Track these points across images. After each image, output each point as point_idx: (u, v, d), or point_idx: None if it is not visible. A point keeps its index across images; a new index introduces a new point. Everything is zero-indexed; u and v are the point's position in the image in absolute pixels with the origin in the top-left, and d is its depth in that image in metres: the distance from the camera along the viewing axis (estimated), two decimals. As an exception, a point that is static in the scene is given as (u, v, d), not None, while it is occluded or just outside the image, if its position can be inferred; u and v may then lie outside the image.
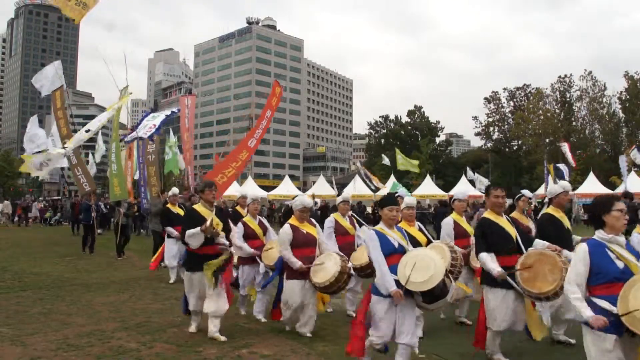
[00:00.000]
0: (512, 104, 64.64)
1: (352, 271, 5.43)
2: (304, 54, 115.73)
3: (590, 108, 54.30)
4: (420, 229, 5.83)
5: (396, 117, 76.44)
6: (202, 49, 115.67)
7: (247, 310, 6.73)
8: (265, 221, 6.78)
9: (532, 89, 61.90)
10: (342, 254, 5.51)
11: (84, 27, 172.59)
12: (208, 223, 5.24)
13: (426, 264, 3.97)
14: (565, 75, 56.55)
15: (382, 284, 4.00)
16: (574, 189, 33.60)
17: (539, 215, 5.14)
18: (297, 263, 5.35)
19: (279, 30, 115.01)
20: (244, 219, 6.61)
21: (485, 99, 64.61)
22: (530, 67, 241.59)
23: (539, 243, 4.72)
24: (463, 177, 37.33)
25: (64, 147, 12.97)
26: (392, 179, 36.58)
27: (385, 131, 75.92)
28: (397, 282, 3.97)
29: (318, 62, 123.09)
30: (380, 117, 77.69)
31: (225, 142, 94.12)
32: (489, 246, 4.56)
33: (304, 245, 5.49)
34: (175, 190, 9.80)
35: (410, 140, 70.79)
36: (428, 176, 39.26)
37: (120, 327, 5.89)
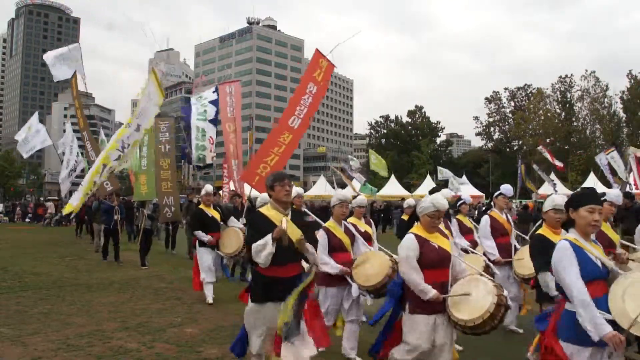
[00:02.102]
0: (512, 104, 64.69)
1: (509, 302, 3.78)
2: (304, 54, 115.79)
3: (591, 108, 54.36)
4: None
5: (396, 117, 76.49)
6: (202, 49, 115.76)
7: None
8: (351, 227, 5.23)
9: (533, 89, 61.98)
10: (493, 280, 3.85)
11: (84, 27, 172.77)
12: (283, 226, 3.66)
13: None
14: (566, 76, 56.69)
15: (590, 326, 2.75)
16: (574, 189, 33.70)
17: None
18: (431, 292, 3.64)
19: (279, 30, 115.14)
20: (326, 225, 5.05)
21: (486, 99, 64.68)
22: (531, 67, 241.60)
23: None
24: (464, 177, 37.37)
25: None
26: (393, 179, 36.69)
27: (385, 131, 75.94)
28: (611, 323, 2.78)
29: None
30: (380, 117, 77.71)
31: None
32: None
33: (436, 265, 3.78)
34: (209, 188, 8.14)
35: (410, 140, 70.83)
36: (428, 176, 39.23)
37: (120, 327, 5.89)
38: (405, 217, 8.40)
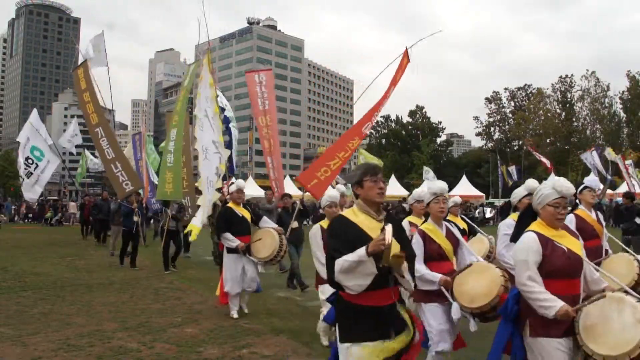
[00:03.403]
0: (512, 104, 64.72)
1: None
2: (304, 54, 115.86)
3: (592, 108, 54.37)
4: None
5: (397, 117, 76.52)
6: (202, 49, 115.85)
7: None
8: (455, 230, 4.15)
9: (533, 89, 62.04)
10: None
11: (84, 27, 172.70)
12: (388, 238, 2.50)
13: None
14: (567, 76, 56.71)
15: None
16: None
17: None
18: (557, 305, 2.75)
19: (279, 30, 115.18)
20: (422, 227, 4.04)
21: (486, 99, 64.77)
22: (532, 67, 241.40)
23: None
24: (464, 177, 37.38)
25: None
26: (393, 179, 36.64)
27: (386, 131, 75.94)
28: None
29: (319, 62, 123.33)
30: (381, 117, 77.71)
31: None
32: None
33: (565, 273, 2.89)
34: (241, 183, 6.97)
35: (411, 140, 70.83)
36: (428, 176, 39.22)
37: (120, 328, 5.89)
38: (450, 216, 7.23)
